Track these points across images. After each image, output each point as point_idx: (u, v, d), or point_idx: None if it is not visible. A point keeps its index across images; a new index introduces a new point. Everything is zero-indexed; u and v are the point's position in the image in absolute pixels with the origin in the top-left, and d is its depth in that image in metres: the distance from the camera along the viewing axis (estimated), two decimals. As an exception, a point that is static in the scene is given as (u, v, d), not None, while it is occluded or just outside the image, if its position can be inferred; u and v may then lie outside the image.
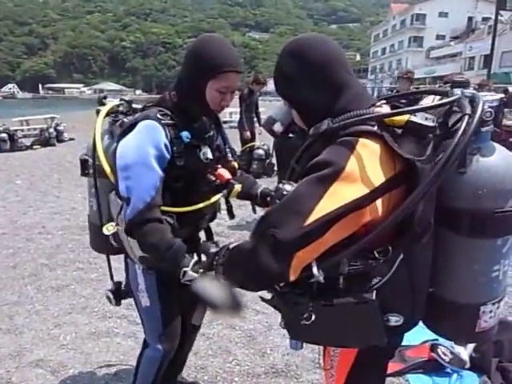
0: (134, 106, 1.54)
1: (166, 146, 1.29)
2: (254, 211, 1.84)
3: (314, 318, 0.95)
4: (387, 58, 57.51)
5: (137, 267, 1.49)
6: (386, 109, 0.98)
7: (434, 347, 2.19)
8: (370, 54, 65.63)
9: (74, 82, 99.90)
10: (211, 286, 1.08)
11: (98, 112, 1.50)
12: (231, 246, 1.01)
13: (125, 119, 1.46)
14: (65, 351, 2.40)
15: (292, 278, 0.88)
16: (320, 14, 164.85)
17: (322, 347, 1.22)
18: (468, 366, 2.09)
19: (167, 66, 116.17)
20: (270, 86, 6.16)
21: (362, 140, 0.90)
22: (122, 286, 1.67)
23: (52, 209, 5.35)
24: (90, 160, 1.51)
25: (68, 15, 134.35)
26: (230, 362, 2.27)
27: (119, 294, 1.67)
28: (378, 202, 0.88)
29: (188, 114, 1.38)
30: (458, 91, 0.89)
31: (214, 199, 1.50)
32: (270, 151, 6.23)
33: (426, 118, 0.91)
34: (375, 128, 0.91)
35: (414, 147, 0.89)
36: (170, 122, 1.32)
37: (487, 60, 31.31)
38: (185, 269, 1.20)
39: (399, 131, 0.91)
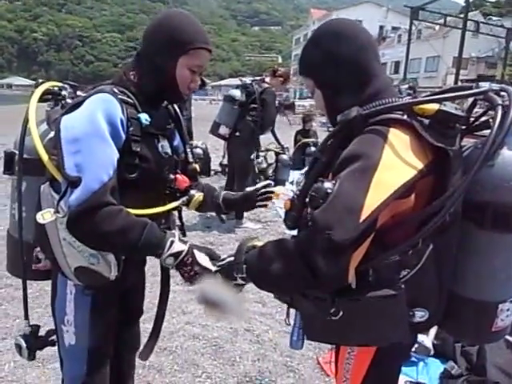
0: (79, 93, 1.26)
1: (122, 122, 1.09)
2: (222, 221, 1.71)
3: (341, 313, 0.91)
4: (308, 61, 59.62)
5: (68, 290, 1.20)
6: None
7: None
8: (292, 57, 67.72)
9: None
10: (220, 287, 1.02)
11: None
12: (259, 245, 0.97)
13: (68, 100, 1.21)
14: None
15: (349, 280, 0.85)
16: (243, 16, 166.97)
17: (322, 353, 1.19)
18: (432, 353, 2.19)
19: (84, 60, 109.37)
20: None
21: (392, 129, 0.89)
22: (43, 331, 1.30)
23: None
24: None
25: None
26: (199, 375, 2.13)
27: (36, 342, 1.29)
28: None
29: (149, 98, 1.20)
30: (485, 84, 0.89)
31: (170, 206, 1.28)
32: (209, 150, 6.15)
33: (456, 109, 0.89)
34: (405, 117, 0.90)
35: (441, 138, 0.89)
36: (128, 100, 1.14)
37: (397, 66, 34.16)
38: (171, 238, 1.06)
39: (426, 121, 0.90)
